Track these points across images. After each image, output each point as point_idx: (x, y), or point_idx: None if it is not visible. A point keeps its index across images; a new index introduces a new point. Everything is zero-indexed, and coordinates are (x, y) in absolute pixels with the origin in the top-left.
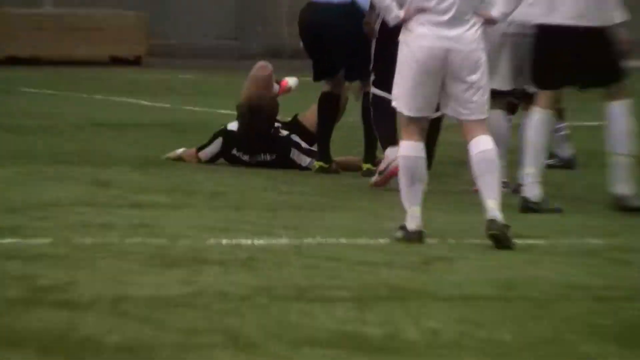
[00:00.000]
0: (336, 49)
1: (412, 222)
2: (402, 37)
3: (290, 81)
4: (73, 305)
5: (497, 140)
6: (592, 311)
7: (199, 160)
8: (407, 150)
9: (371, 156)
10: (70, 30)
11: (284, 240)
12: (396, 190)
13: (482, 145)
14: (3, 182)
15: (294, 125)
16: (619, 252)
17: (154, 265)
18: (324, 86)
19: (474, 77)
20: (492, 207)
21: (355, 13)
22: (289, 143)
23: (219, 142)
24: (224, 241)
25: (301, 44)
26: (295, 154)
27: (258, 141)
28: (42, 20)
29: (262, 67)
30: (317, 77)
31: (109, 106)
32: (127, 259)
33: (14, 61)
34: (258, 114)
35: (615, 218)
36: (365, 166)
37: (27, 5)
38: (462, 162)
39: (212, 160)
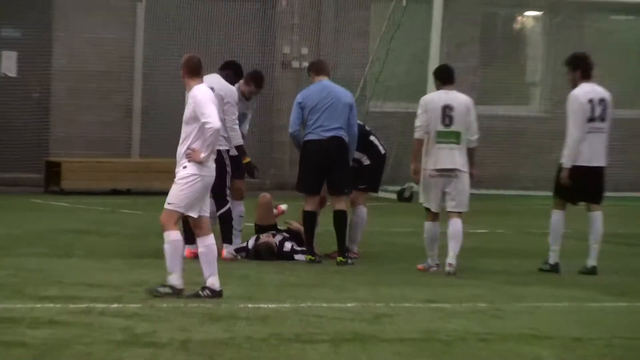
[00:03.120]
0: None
1: None
2: None
3: (283, 206)
4: (157, 346)
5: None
6: (480, 348)
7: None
8: None
9: (342, 250)
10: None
11: (287, 305)
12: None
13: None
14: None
15: (288, 231)
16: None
17: (206, 320)
18: (307, 206)
19: None
20: None
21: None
22: (292, 252)
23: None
24: (250, 305)
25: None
26: (295, 254)
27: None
28: None
29: (263, 196)
30: (308, 191)
31: None
32: (189, 316)
33: None
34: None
35: None
36: (339, 259)
37: None
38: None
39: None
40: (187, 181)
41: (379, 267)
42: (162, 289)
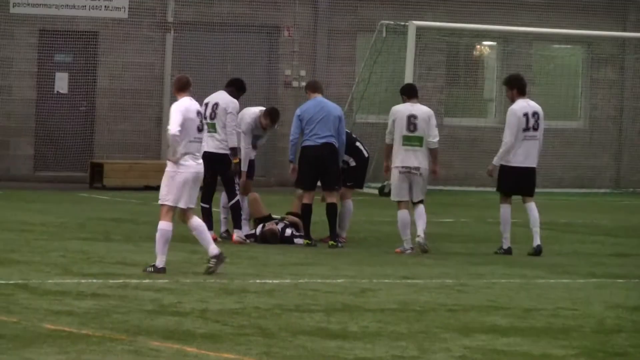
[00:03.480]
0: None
1: None
2: None
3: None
4: (180, 314)
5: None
6: (448, 317)
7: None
8: None
9: (333, 236)
10: None
11: (288, 281)
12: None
13: None
14: None
15: (288, 220)
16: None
17: (221, 293)
18: (304, 199)
19: None
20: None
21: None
22: (292, 237)
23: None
24: (257, 281)
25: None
26: (294, 239)
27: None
28: None
29: (251, 194)
30: (305, 188)
31: None
32: (208, 290)
33: None
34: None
35: None
36: (331, 243)
37: None
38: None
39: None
40: (166, 177)
41: (364, 250)
42: (148, 269)
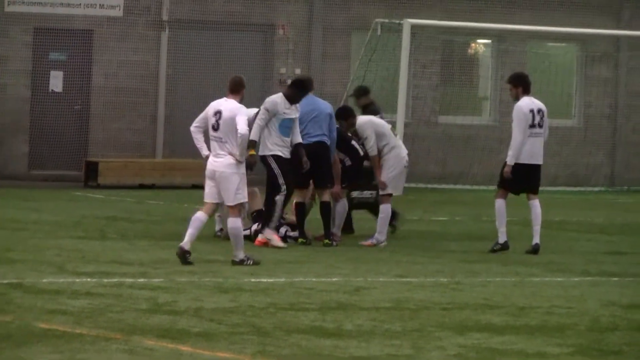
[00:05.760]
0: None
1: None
2: None
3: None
4: (175, 313)
5: None
6: (442, 315)
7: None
8: None
9: (327, 234)
10: None
11: (282, 279)
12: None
13: None
14: None
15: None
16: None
17: (216, 292)
18: (297, 198)
19: None
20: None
21: (326, 148)
22: (286, 235)
23: None
24: (252, 279)
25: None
26: (289, 237)
27: None
28: None
29: (251, 188)
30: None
31: None
32: (202, 289)
33: None
34: None
35: None
36: (325, 241)
37: None
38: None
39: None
40: (239, 177)
41: (358, 249)
42: (248, 262)
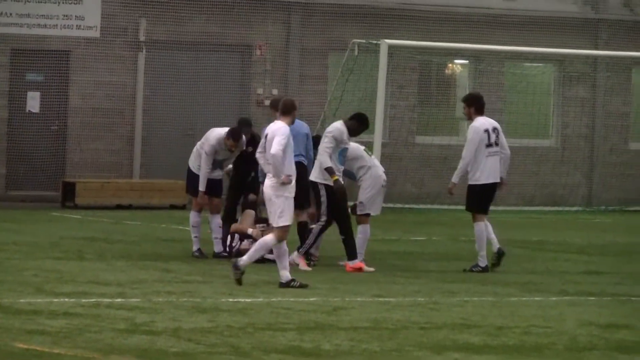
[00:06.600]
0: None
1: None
2: None
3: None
4: (153, 333)
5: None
6: (420, 335)
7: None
8: None
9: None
10: None
11: (260, 299)
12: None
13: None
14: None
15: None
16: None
17: (194, 312)
18: (299, 217)
19: None
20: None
21: (304, 169)
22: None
23: None
24: (230, 299)
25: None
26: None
27: None
28: None
29: (248, 211)
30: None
31: None
32: (180, 309)
33: None
34: None
35: None
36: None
37: None
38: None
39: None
40: (282, 198)
41: (336, 269)
42: (294, 283)
